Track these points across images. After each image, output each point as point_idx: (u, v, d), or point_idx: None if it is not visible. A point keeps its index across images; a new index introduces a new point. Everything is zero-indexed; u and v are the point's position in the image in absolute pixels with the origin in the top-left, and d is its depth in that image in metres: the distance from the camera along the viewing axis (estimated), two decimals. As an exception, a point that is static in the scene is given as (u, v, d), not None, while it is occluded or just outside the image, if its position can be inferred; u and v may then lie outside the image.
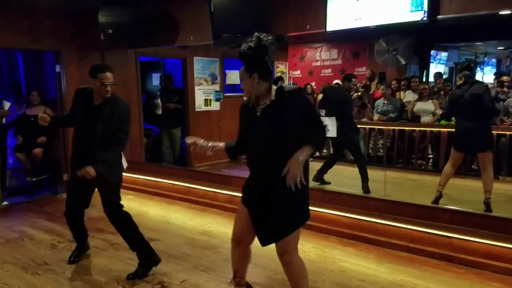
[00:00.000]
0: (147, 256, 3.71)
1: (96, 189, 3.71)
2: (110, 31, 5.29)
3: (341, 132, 5.48)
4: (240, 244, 2.80)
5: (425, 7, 3.79)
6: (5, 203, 5.99)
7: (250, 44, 2.49)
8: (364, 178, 5.67)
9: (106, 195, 3.65)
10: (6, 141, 6.33)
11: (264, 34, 2.50)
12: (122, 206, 3.66)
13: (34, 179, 6.36)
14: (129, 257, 3.88)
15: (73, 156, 3.75)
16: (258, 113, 2.59)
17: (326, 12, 4.50)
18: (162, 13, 5.72)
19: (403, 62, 8.19)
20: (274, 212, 2.54)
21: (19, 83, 6.96)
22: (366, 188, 5.60)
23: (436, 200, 4.94)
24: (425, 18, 3.81)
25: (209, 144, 2.77)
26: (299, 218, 2.59)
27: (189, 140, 2.81)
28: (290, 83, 9.43)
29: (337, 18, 4.45)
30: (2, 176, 6.01)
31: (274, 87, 2.58)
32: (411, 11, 3.88)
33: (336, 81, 7.54)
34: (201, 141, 2.77)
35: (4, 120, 6.24)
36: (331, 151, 7.26)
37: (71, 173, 3.80)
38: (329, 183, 5.96)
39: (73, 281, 3.62)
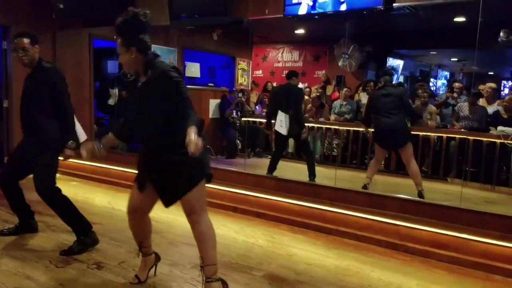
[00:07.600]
0: (85, 233, 3.52)
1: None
2: (61, 5, 5.02)
3: (290, 127, 5.46)
4: (135, 213, 2.84)
5: (382, -6, 3.83)
6: None
7: (126, 17, 2.47)
8: (312, 173, 5.59)
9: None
10: None
11: (140, 9, 2.49)
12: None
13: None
14: (67, 238, 3.67)
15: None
16: (137, 90, 2.62)
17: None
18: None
19: (353, 68, 8.38)
20: (165, 181, 2.63)
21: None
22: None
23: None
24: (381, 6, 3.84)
25: (97, 145, 2.80)
26: (192, 179, 2.60)
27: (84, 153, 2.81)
28: (251, 81, 9.38)
29: (296, 5, 4.43)
30: None
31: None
32: (368, -2, 3.91)
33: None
34: (87, 147, 2.81)
35: None
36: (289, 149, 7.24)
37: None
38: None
39: (1, 258, 3.35)
